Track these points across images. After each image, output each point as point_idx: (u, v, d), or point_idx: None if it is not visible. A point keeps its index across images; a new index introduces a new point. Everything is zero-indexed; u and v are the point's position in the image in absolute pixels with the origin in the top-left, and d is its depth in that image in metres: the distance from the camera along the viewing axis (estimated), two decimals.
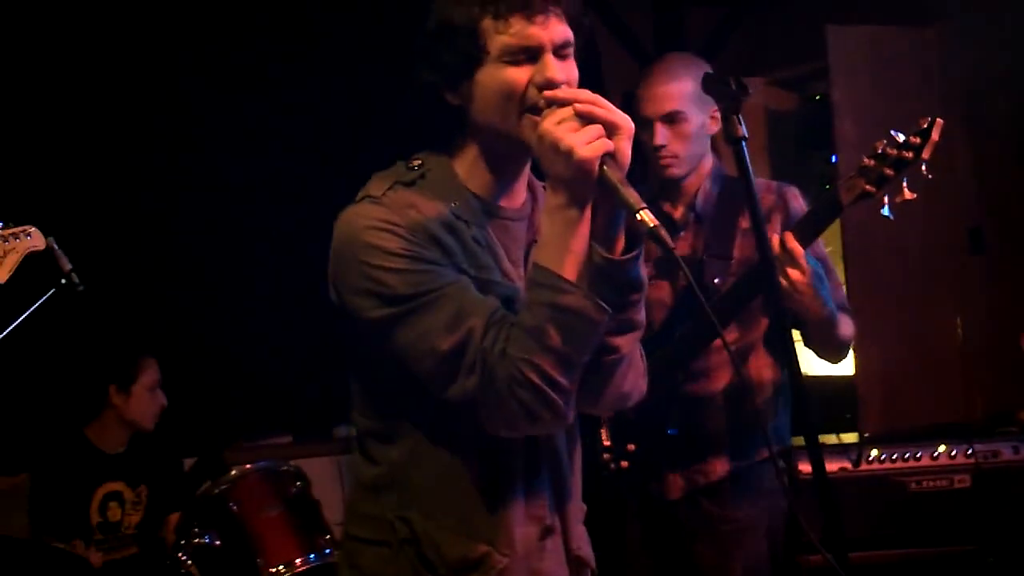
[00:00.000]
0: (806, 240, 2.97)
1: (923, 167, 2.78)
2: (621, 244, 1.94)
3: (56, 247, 3.43)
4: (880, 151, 2.83)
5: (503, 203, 2.08)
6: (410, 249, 1.92)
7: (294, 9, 5.35)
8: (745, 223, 3.22)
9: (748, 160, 2.14)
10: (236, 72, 5.29)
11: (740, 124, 2.15)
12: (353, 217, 1.98)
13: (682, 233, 3.32)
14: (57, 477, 4.43)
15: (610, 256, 1.90)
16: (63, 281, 3.50)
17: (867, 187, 2.84)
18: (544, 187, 2.13)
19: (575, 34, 1.98)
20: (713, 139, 3.33)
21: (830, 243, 4.91)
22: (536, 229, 2.09)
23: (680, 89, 3.18)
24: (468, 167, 2.05)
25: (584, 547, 2.20)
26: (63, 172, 5.08)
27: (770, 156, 5.21)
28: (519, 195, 2.10)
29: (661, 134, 3.21)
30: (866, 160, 2.85)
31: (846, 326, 3.19)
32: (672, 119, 3.20)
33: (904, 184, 2.81)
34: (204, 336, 5.37)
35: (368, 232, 1.94)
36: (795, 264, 2.92)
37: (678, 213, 3.32)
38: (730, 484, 3.27)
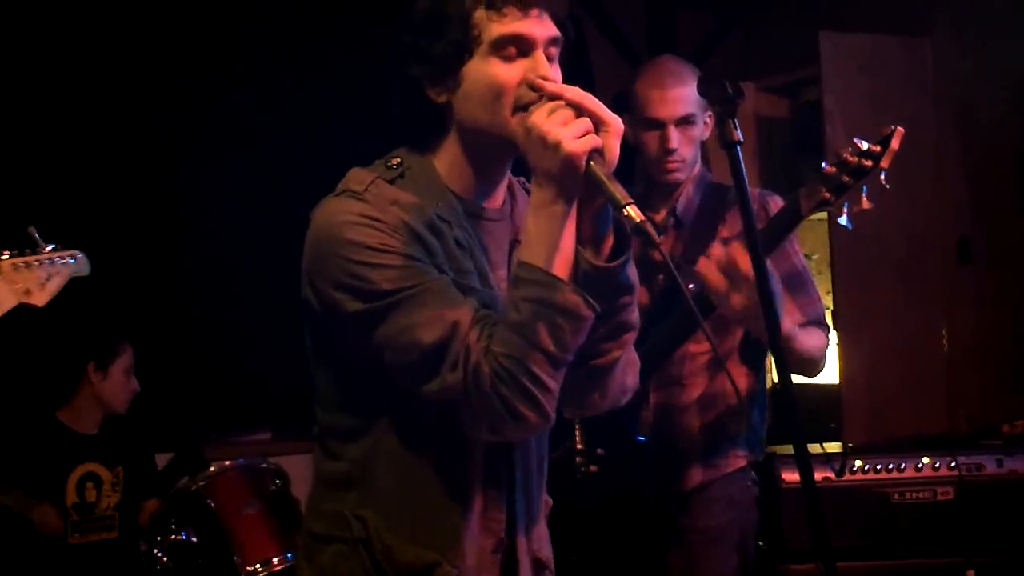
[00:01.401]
0: (766, 248, 2.91)
1: (882, 176, 2.71)
2: (609, 248, 1.92)
3: (37, 236, 3.39)
4: (842, 158, 2.76)
5: (484, 204, 2.05)
6: (393, 245, 1.89)
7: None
8: (726, 231, 3.19)
9: (743, 165, 2.12)
10: (214, 64, 5.27)
11: (735, 128, 2.12)
12: (334, 211, 1.94)
13: (661, 237, 3.28)
14: (30, 460, 4.41)
15: (598, 263, 1.88)
16: None
17: (826, 194, 2.77)
18: (521, 183, 2.12)
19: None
20: (704, 144, 3.30)
21: (817, 251, 4.92)
22: (517, 229, 2.07)
23: (691, 92, 3.15)
24: (449, 166, 2.01)
25: (543, 548, 2.17)
26: (52, 164, 5.04)
27: (761, 162, 5.20)
28: (499, 195, 2.07)
29: (675, 138, 3.18)
30: (827, 167, 2.78)
31: (811, 339, 3.12)
32: (685, 122, 3.18)
33: (863, 193, 2.74)
34: (186, 331, 5.34)
35: (350, 227, 1.90)
36: (738, 288, 2.84)
37: (659, 218, 3.29)
38: (701, 494, 3.25)
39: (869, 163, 2.72)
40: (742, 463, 3.27)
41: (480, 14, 1.91)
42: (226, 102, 5.30)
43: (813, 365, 3.15)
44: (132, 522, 4.62)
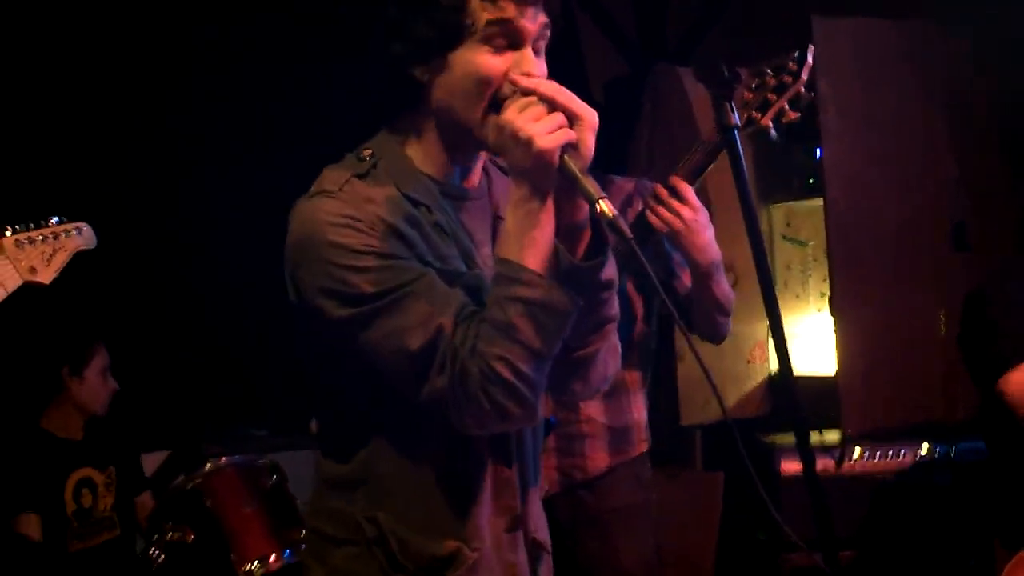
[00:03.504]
0: (689, 180, 3.00)
1: (803, 88, 2.89)
2: (586, 243, 1.91)
3: None
4: (755, 85, 2.92)
5: (462, 184, 2.03)
6: (373, 245, 1.87)
7: None
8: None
9: (740, 148, 2.10)
10: (199, 56, 5.24)
11: (732, 112, 2.11)
12: (310, 213, 1.91)
13: None
14: (23, 473, 4.37)
15: (576, 261, 1.87)
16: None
17: (754, 114, 2.90)
18: (492, 160, 2.10)
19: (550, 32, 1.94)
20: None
21: (813, 238, 4.90)
22: (496, 205, 2.06)
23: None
24: (423, 150, 1.99)
25: (541, 530, 2.16)
26: (54, 146, 5.02)
27: (756, 146, 5.16)
28: (476, 174, 2.06)
29: None
30: (747, 94, 2.93)
31: (727, 284, 3.20)
32: None
33: (786, 107, 2.91)
34: (182, 329, 5.32)
35: (328, 229, 1.87)
36: (684, 201, 2.95)
37: None
38: (608, 476, 3.28)
39: (789, 79, 2.88)
40: (645, 447, 3.33)
41: (475, 2, 1.88)
42: (223, 100, 5.28)
43: (725, 316, 3.16)
44: (130, 519, 4.61)
